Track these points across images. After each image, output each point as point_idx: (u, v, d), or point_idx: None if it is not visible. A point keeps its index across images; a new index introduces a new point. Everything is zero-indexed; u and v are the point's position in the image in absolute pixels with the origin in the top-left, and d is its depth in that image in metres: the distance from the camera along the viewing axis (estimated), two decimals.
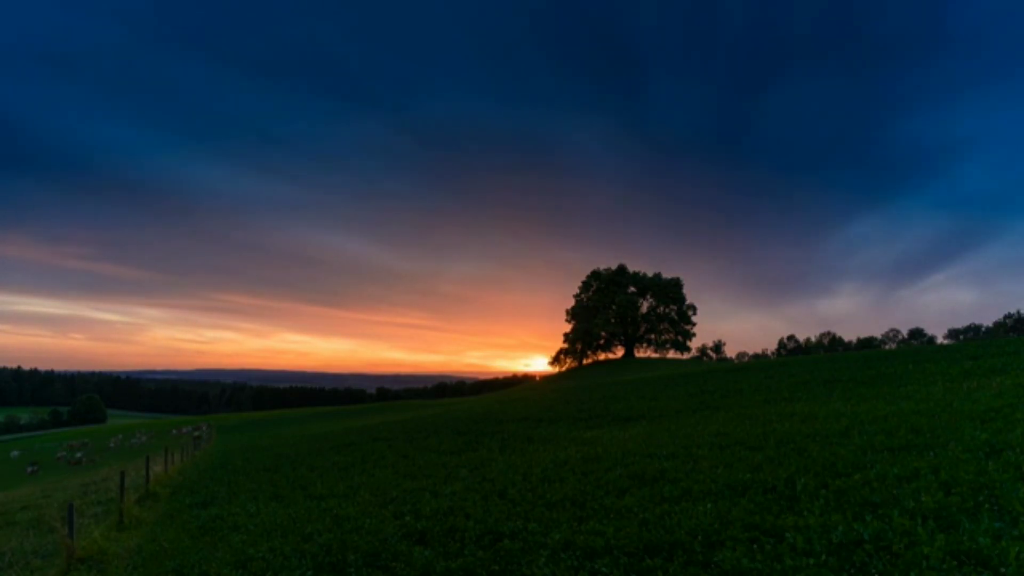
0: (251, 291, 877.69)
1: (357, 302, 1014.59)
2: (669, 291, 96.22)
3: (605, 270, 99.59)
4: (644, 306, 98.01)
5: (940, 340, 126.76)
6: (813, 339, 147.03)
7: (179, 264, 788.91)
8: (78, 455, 43.71)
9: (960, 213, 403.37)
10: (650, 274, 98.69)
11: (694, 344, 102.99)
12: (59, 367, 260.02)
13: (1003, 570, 4.65)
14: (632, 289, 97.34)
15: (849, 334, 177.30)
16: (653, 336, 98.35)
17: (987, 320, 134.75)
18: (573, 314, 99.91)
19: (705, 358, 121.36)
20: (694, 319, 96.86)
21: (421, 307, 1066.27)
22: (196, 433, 52.23)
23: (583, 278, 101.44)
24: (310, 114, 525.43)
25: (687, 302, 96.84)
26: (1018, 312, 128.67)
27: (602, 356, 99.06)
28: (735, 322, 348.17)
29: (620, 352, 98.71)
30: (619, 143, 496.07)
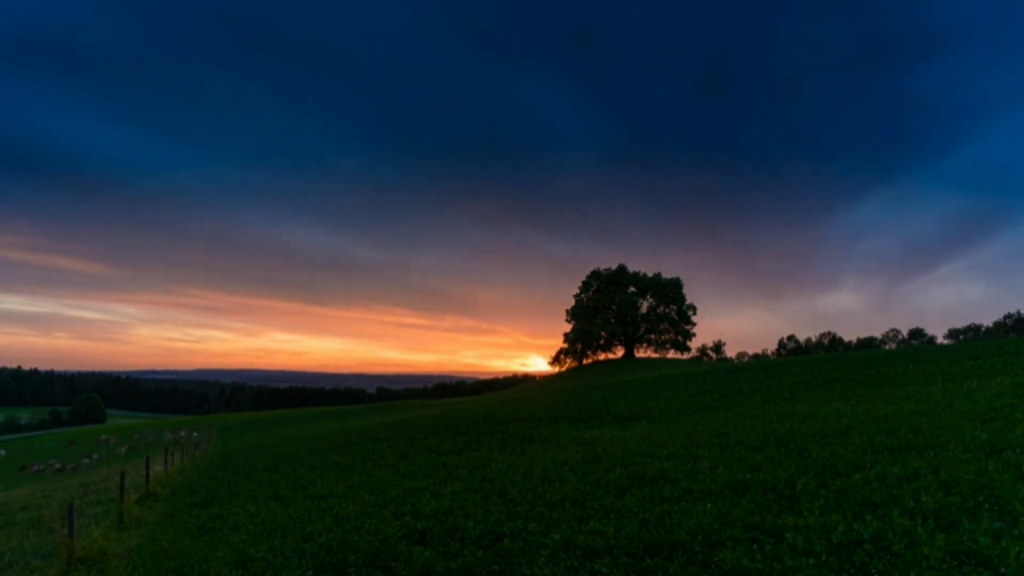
0: (229, 288, 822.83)
1: (342, 299, 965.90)
2: (669, 291, 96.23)
3: (605, 270, 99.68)
4: (644, 306, 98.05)
5: (940, 340, 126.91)
6: (813, 339, 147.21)
7: (144, 259, 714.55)
8: (56, 465, 42.12)
9: (977, 191, 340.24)
10: (650, 274, 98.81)
11: (694, 344, 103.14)
12: (49, 367, 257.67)
13: (1003, 570, 4.65)
14: (632, 289, 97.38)
15: (850, 333, 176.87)
16: (653, 336, 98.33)
17: (998, 316, 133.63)
18: (573, 314, 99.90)
19: (705, 358, 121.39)
20: (694, 319, 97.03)
21: (407, 304, 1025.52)
22: (194, 434, 51.94)
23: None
24: (273, 95, 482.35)
25: (687, 302, 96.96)
26: (1018, 312, 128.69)
27: (602, 356, 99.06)
28: (733, 320, 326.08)
29: (620, 352, 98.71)
30: (593, 118, 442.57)
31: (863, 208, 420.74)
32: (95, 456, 45.42)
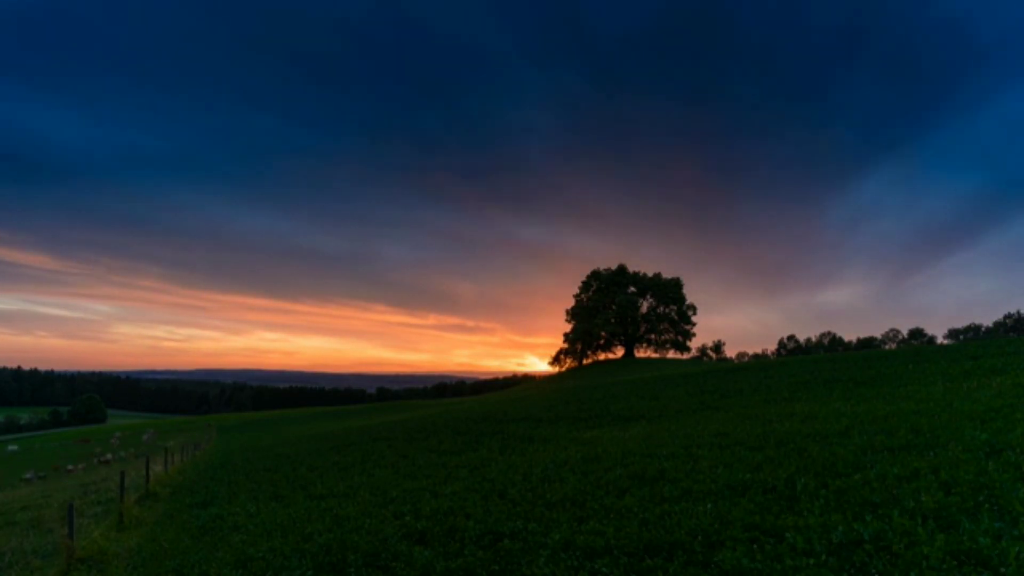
0: (199, 285, 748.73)
1: (316, 296, 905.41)
2: (669, 291, 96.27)
3: (605, 270, 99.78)
4: (644, 306, 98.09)
5: (940, 340, 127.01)
6: (813, 339, 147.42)
7: (103, 254, 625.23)
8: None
9: (997, 166, 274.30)
10: (650, 274, 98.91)
11: (694, 344, 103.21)
12: (48, 367, 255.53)
13: (1003, 570, 4.64)
14: (632, 289, 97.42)
15: (851, 332, 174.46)
16: (653, 336, 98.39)
17: (999, 316, 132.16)
18: (573, 314, 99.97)
19: (705, 358, 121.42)
20: (694, 319, 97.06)
21: (385, 300, 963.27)
22: (169, 443, 50.73)
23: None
24: (226, 84, 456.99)
25: (687, 302, 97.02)
26: (1018, 312, 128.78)
27: (602, 356, 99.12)
28: (728, 317, 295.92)
29: (620, 352, 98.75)
30: (547, 67, 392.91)
31: (866, 188, 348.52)
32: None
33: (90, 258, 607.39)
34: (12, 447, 64.34)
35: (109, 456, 46.58)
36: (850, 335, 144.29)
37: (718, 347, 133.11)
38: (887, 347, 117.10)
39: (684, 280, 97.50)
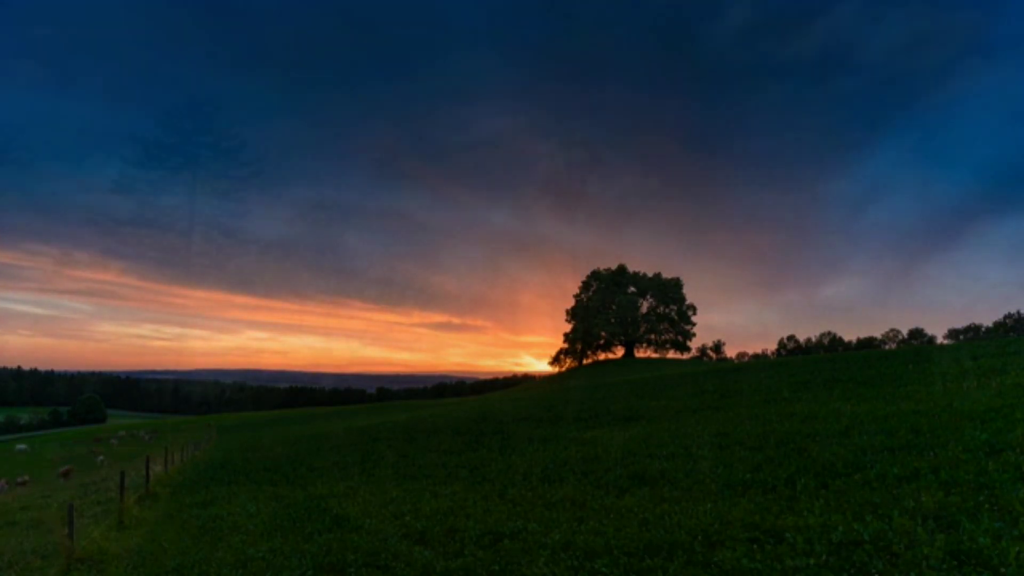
0: (168, 279, 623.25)
1: (292, 292, 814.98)
2: (669, 291, 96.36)
3: (605, 270, 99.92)
4: (644, 306, 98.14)
5: (940, 340, 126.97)
6: (813, 339, 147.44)
7: (42, 243, 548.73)
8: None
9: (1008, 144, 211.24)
10: (650, 274, 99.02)
11: (694, 344, 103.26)
12: (49, 367, 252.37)
13: (1003, 570, 4.64)
14: (632, 289, 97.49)
15: (851, 331, 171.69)
16: (653, 336, 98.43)
17: (999, 316, 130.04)
18: (573, 314, 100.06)
19: (705, 358, 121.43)
20: (693, 319, 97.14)
21: (364, 296, 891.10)
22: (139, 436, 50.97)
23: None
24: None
25: (687, 302, 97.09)
26: (1018, 312, 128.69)
27: (602, 356, 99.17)
28: (727, 313, 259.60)
29: (620, 352, 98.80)
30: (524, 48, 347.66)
31: (879, 157, 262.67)
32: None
33: (35, 249, 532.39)
34: (21, 446, 64.33)
35: (109, 460, 46.79)
36: (850, 335, 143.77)
37: (718, 347, 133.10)
38: (887, 347, 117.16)
39: (678, 274, 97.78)
